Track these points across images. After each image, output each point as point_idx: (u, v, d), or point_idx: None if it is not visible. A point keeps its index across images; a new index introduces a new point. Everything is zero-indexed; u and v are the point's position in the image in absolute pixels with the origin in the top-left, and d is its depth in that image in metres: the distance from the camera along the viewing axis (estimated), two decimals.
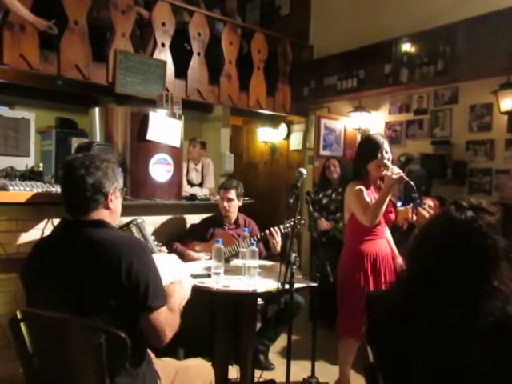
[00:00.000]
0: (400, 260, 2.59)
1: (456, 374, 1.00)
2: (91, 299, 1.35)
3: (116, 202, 1.55)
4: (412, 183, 2.39)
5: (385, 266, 2.50)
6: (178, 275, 1.67)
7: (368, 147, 2.51)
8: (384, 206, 2.38)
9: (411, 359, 1.06)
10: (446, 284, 1.05)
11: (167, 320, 1.40)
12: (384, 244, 2.56)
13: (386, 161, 2.44)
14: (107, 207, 1.51)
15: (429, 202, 3.28)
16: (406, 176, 2.38)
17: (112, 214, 1.54)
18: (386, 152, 2.46)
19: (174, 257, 2.01)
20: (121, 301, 1.35)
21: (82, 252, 1.40)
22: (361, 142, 2.84)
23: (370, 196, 2.46)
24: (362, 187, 2.45)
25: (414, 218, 3.05)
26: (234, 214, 3.14)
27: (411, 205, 3.02)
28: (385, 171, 2.41)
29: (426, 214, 3.03)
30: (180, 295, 1.57)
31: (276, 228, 2.96)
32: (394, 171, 2.37)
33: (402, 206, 3.36)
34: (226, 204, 3.07)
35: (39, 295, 1.44)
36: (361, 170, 2.52)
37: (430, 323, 1.04)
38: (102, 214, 1.49)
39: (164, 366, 1.62)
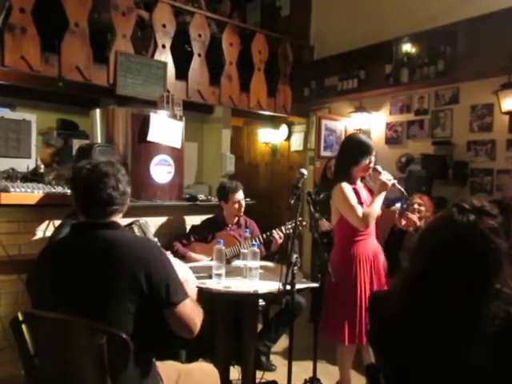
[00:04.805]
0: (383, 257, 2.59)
1: (458, 376, 1.00)
2: (106, 300, 1.34)
3: None
4: (403, 190, 2.44)
5: (376, 265, 2.49)
6: (184, 275, 1.69)
7: (357, 149, 2.45)
8: (378, 210, 2.41)
9: (413, 360, 1.06)
10: (447, 286, 1.05)
11: (194, 309, 1.46)
12: (373, 243, 2.55)
13: (378, 167, 2.46)
14: (122, 211, 1.54)
15: (417, 200, 3.25)
16: (397, 183, 2.43)
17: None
18: (374, 155, 2.47)
19: (176, 259, 2.03)
20: (138, 302, 1.35)
21: (97, 253, 1.40)
22: (348, 142, 2.61)
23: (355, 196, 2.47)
24: (351, 189, 2.43)
25: (403, 222, 2.98)
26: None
27: (398, 206, 2.97)
28: (380, 176, 2.42)
29: (415, 218, 3.00)
30: (190, 291, 1.61)
31: (279, 231, 2.96)
32: (388, 177, 2.41)
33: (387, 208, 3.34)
34: (237, 206, 3.06)
35: (49, 297, 1.43)
36: (346, 171, 2.47)
37: (432, 325, 1.04)
38: (117, 217, 1.51)
39: (166, 368, 1.62)
